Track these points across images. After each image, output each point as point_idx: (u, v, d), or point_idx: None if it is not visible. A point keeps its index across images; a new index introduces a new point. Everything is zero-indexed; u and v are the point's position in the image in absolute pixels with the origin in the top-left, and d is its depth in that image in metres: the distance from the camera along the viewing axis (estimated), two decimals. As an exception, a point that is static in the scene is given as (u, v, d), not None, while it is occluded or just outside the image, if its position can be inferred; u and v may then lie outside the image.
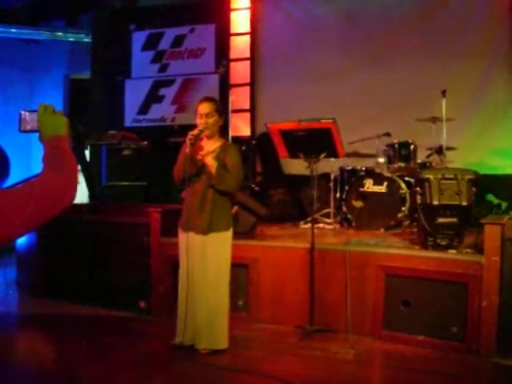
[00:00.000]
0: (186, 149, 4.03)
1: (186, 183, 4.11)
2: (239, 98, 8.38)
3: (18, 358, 4.20)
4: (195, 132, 4.07)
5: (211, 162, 4.05)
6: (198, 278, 4.11)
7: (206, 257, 4.10)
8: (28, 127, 1.85)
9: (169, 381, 3.94)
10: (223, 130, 7.46)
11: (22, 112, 1.86)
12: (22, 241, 6.85)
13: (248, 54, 8.72)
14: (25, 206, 1.50)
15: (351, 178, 6.82)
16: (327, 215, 6.96)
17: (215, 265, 4.11)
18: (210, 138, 4.24)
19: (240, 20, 8.79)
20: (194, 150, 4.13)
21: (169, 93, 9.19)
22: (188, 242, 4.14)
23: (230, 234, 4.21)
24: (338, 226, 6.69)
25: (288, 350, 4.40)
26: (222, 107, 4.40)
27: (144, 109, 9.33)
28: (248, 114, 8.65)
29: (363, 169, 6.89)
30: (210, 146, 4.22)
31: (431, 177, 4.57)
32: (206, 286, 4.10)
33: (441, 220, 4.54)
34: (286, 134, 4.83)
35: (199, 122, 4.16)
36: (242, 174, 4.24)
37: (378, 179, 6.54)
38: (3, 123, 9.20)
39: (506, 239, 4.14)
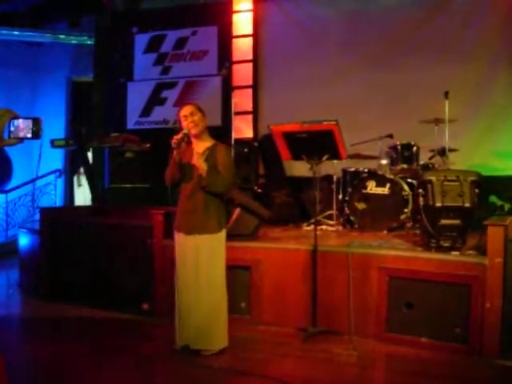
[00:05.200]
0: (173, 153, 4.10)
1: (176, 187, 4.20)
2: (242, 100, 8.39)
3: (20, 360, 4.19)
4: (179, 136, 4.10)
5: (201, 165, 4.05)
6: (193, 280, 4.14)
7: (200, 258, 4.13)
8: (21, 134, 1.81)
9: (171, 383, 3.94)
10: (226, 133, 7.55)
11: (16, 120, 1.82)
12: (24, 243, 6.86)
13: (250, 56, 8.74)
14: None
15: (354, 180, 6.83)
16: (330, 217, 6.95)
17: (209, 266, 4.13)
18: (198, 138, 4.25)
19: (242, 22, 8.81)
20: (185, 152, 4.18)
21: (171, 95, 9.21)
22: (181, 243, 4.20)
23: (223, 234, 4.23)
24: (340, 228, 6.68)
25: (290, 351, 4.39)
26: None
27: (146, 111, 9.35)
28: (250, 116, 8.67)
29: (366, 170, 6.89)
30: (200, 148, 4.24)
31: (434, 178, 4.57)
32: (201, 288, 4.12)
33: (444, 222, 4.53)
34: (289, 136, 4.83)
35: (186, 123, 4.18)
36: (233, 174, 4.23)
37: (381, 181, 6.54)
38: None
39: (509, 240, 4.13)
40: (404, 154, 6.60)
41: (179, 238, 4.24)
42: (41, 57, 11.34)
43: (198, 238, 4.13)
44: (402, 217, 6.36)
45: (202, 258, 4.12)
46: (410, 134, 6.77)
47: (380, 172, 6.70)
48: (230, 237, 5.16)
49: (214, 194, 4.14)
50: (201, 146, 4.25)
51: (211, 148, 4.23)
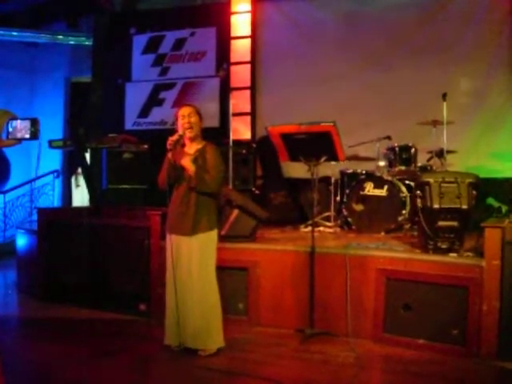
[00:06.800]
0: (168, 155, 4.12)
1: (170, 189, 4.21)
2: (240, 101, 8.39)
3: (18, 361, 4.19)
4: (175, 137, 4.13)
5: (189, 165, 4.11)
6: (187, 281, 4.16)
7: (192, 258, 4.16)
8: (19, 135, 1.82)
9: (168, 383, 3.93)
10: (223, 134, 7.55)
11: (14, 121, 1.83)
12: (22, 243, 6.85)
13: (248, 58, 8.74)
14: None
15: (352, 182, 6.83)
16: (327, 218, 6.96)
17: (202, 265, 4.16)
18: (193, 140, 4.28)
19: (240, 23, 8.81)
20: (177, 154, 4.18)
21: (169, 96, 9.21)
22: (174, 245, 4.23)
23: (214, 234, 4.26)
24: (338, 230, 6.69)
25: (288, 353, 4.39)
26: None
27: (144, 112, 9.35)
28: (248, 118, 8.67)
29: (364, 172, 6.90)
30: (192, 149, 4.29)
31: (432, 180, 4.57)
32: (195, 288, 4.15)
33: (441, 223, 4.54)
34: (287, 138, 4.83)
35: (182, 122, 4.22)
36: (221, 173, 4.28)
37: (379, 182, 6.54)
38: (4, 126, 9.20)
39: (507, 242, 4.14)
40: (402, 155, 6.61)
41: (172, 240, 4.26)
42: (39, 57, 11.34)
43: (189, 239, 4.17)
44: (400, 218, 6.36)
45: (194, 259, 4.16)
46: (407, 135, 6.78)
47: (378, 174, 6.70)
48: (228, 238, 5.20)
49: (205, 194, 4.17)
50: (192, 147, 4.30)
51: (201, 150, 4.27)
